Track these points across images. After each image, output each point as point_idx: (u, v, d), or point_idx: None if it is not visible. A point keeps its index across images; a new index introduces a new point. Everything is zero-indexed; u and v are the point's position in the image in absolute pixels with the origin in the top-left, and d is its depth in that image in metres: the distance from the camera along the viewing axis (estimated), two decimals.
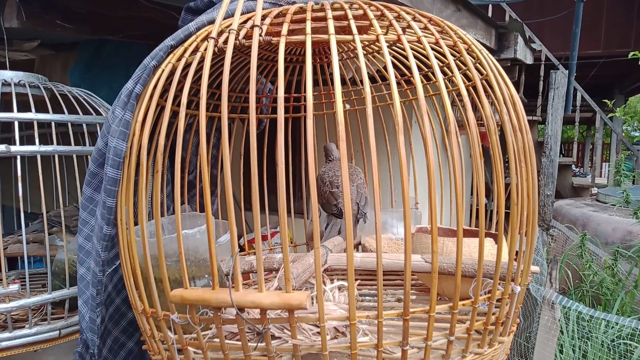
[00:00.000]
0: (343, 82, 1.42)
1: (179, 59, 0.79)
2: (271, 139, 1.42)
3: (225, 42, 0.72)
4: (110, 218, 0.87)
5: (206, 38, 0.77)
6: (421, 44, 0.74)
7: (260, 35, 0.71)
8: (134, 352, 1.07)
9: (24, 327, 1.28)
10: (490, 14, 4.15)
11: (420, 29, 0.76)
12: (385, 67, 1.27)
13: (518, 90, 4.64)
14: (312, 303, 0.79)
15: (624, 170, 3.50)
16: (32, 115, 1.29)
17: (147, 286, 0.78)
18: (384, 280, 1.25)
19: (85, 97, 1.49)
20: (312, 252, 1.03)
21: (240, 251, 1.45)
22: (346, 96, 1.46)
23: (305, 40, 0.70)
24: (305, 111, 1.43)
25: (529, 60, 4.25)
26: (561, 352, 2.63)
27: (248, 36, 0.74)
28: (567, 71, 4.64)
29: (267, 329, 0.66)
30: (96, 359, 0.93)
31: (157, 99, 0.78)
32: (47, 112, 1.35)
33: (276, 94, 1.43)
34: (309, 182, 0.67)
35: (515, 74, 4.37)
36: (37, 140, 1.28)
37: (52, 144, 1.32)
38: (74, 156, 1.37)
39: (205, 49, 0.74)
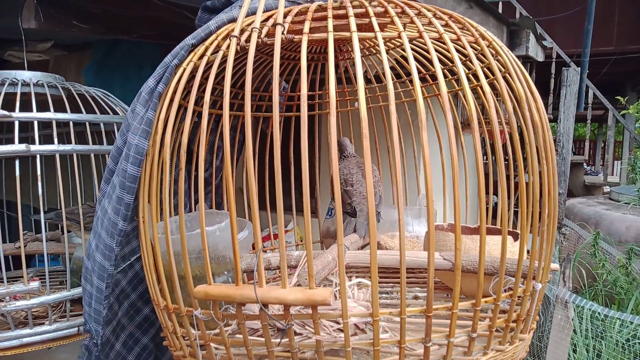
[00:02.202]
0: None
1: (200, 58, 0.79)
2: (285, 138, 1.43)
3: (248, 40, 0.73)
4: (127, 214, 0.87)
5: (227, 36, 0.78)
6: (442, 40, 0.74)
7: (282, 33, 0.72)
8: (149, 348, 1.08)
9: (43, 323, 1.30)
10: (500, 11, 4.12)
11: (441, 26, 0.76)
12: (399, 64, 1.28)
13: None
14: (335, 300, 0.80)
15: (639, 167, 3.46)
16: (51, 114, 1.31)
17: (168, 282, 0.79)
18: (398, 277, 1.25)
19: (102, 96, 1.51)
20: (330, 249, 1.04)
21: (252, 249, 1.46)
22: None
23: (326, 37, 0.71)
24: (320, 109, 1.44)
25: (540, 57, 4.21)
26: (574, 351, 2.61)
27: (270, 34, 0.75)
28: (579, 68, 4.59)
29: (291, 324, 0.67)
30: (99, 349, 0.94)
31: (179, 98, 0.78)
32: (65, 111, 1.36)
33: (290, 92, 1.43)
34: (321, 180, 0.68)
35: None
36: (55, 140, 1.29)
37: (70, 143, 1.34)
38: (92, 155, 1.38)
39: (228, 47, 0.74)
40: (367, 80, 1.42)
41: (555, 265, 0.92)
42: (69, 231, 1.48)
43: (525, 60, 4.04)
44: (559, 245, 3.68)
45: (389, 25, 1.00)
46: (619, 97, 4.88)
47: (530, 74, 4.52)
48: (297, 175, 1.58)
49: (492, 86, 0.85)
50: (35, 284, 1.22)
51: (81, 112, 1.39)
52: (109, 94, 1.56)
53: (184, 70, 0.80)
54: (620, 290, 3.02)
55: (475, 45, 0.79)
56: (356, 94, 1.46)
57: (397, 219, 1.42)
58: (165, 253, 0.79)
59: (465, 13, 2.55)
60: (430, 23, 0.77)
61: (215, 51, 0.78)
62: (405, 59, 1.17)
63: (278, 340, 0.70)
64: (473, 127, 0.70)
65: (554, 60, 4.91)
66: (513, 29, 3.59)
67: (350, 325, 0.81)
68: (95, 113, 1.42)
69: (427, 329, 0.68)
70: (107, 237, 0.90)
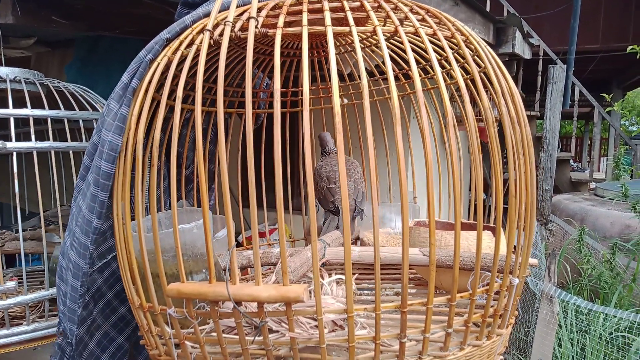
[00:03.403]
0: (341, 77, 1.42)
1: (174, 52, 0.78)
2: (269, 135, 1.42)
3: (221, 34, 0.72)
4: (102, 212, 0.86)
5: (202, 31, 0.77)
6: (419, 35, 0.74)
7: (256, 27, 0.71)
8: (124, 348, 1.06)
9: (21, 324, 1.27)
10: (488, 9, 4.14)
11: (417, 20, 0.76)
12: (384, 62, 1.27)
13: (516, 86, 4.63)
14: (310, 297, 0.79)
15: (622, 164, 3.50)
16: (28, 111, 1.29)
17: (143, 281, 0.78)
18: (382, 274, 1.25)
19: (82, 93, 1.48)
20: (310, 246, 1.03)
21: (238, 247, 1.44)
22: (344, 91, 1.45)
23: (301, 32, 0.70)
24: (303, 106, 1.43)
25: (527, 55, 4.24)
26: (560, 345, 2.64)
27: (244, 28, 0.74)
28: (565, 66, 4.63)
29: (265, 322, 0.66)
30: (73, 348, 0.93)
31: (152, 93, 0.77)
32: (43, 108, 1.34)
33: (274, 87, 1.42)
34: (306, 175, 0.67)
35: (513, 69, 4.37)
36: (33, 137, 1.27)
37: (48, 140, 1.32)
38: (71, 152, 1.36)
39: (201, 42, 0.73)
40: (352, 79, 1.41)
41: (534, 261, 0.93)
42: (47, 231, 1.46)
43: (512, 57, 4.06)
44: (545, 241, 3.72)
45: (369, 21, 1.00)
46: (604, 95, 4.93)
47: (517, 72, 4.56)
48: (291, 172, 1.58)
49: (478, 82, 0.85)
50: (11, 284, 1.19)
51: (60, 109, 1.36)
52: (89, 90, 1.53)
53: (158, 65, 0.78)
54: (604, 285, 3.05)
55: (452, 39, 0.79)
56: (341, 91, 1.46)
57: (383, 216, 1.43)
58: (140, 251, 0.78)
59: (450, 10, 2.56)
60: (406, 18, 0.76)
61: (189, 45, 0.77)
62: (396, 54, 1.17)
63: (252, 338, 0.69)
64: (449, 123, 0.70)
65: (541, 57, 4.94)
66: (500, 27, 3.61)
67: (328, 322, 0.81)
68: (74, 109, 1.39)
69: (402, 324, 0.68)
70: (81, 235, 0.89)
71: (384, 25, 0.87)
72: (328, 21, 0.70)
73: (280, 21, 0.71)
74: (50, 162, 1.31)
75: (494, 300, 0.80)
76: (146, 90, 0.78)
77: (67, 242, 0.93)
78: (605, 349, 2.49)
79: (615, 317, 2.45)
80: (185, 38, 0.79)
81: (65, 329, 0.93)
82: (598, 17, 6.28)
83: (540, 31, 5.27)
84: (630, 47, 3.90)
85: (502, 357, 0.91)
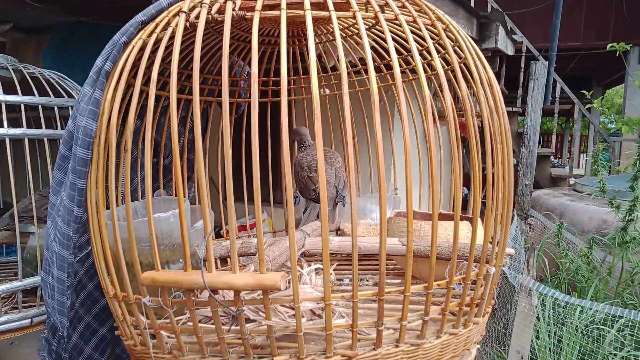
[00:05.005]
0: (324, 69, 1.41)
1: (149, 35, 0.76)
2: (250, 126, 1.40)
3: (197, 16, 0.70)
4: (81, 200, 0.84)
5: (178, 13, 0.75)
6: (398, 22, 0.73)
7: (233, 9, 0.69)
8: (107, 339, 1.05)
9: None
10: (472, 4, 4.16)
11: (398, 7, 0.75)
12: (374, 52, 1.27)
13: (499, 81, 4.69)
14: (288, 285, 0.78)
15: (601, 160, 3.57)
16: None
17: (118, 270, 0.76)
18: (363, 264, 1.25)
19: (58, 79, 1.45)
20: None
21: (218, 237, 1.43)
22: (326, 82, 1.44)
23: (279, 15, 0.69)
24: (289, 95, 1.41)
25: (510, 51, 4.28)
26: (537, 337, 2.69)
27: (221, 11, 0.72)
28: (547, 62, 4.69)
29: (241, 310, 0.65)
30: (65, 341, 0.91)
31: (126, 77, 0.75)
32: (17, 94, 1.30)
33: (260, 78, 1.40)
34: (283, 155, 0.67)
35: (496, 65, 4.41)
36: (5, 123, 1.23)
37: (22, 127, 1.28)
38: (46, 140, 1.33)
39: (177, 25, 0.71)
40: (335, 70, 1.40)
41: (510, 250, 0.94)
42: (20, 221, 1.42)
43: (495, 53, 4.09)
44: (524, 235, 3.77)
45: (349, 9, 0.99)
46: (584, 92, 5.01)
47: (500, 68, 4.60)
48: (274, 165, 1.56)
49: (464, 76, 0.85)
50: None
51: (34, 95, 1.32)
52: (65, 77, 1.49)
53: (133, 48, 0.76)
54: (581, 279, 3.11)
55: (432, 27, 0.78)
56: (323, 81, 1.45)
57: (364, 207, 1.43)
58: (114, 240, 0.76)
59: (434, 4, 2.56)
60: (386, 4, 0.76)
61: (165, 28, 0.75)
62: (379, 45, 1.16)
63: (229, 327, 0.68)
64: (427, 110, 0.70)
65: (524, 54, 5.00)
66: (483, 22, 3.63)
67: (306, 310, 0.80)
68: (49, 96, 1.35)
69: (379, 312, 0.67)
70: (64, 226, 0.86)
71: (366, 12, 0.86)
72: (307, 5, 0.69)
73: (259, 4, 0.69)
74: (25, 150, 1.27)
75: (471, 289, 0.81)
76: (120, 74, 0.76)
77: (51, 234, 0.91)
78: (581, 341, 2.54)
79: (591, 309, 2.50)
80: (161, 21, 0.77)
81: (55, 322, 0.91)
82: (580, 15, 6.37)
83: (524, 28, 5.32)
84: (610, 45, 3.96)
85: (478, 345, 0.92)
